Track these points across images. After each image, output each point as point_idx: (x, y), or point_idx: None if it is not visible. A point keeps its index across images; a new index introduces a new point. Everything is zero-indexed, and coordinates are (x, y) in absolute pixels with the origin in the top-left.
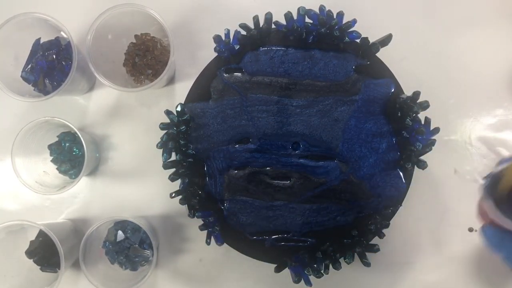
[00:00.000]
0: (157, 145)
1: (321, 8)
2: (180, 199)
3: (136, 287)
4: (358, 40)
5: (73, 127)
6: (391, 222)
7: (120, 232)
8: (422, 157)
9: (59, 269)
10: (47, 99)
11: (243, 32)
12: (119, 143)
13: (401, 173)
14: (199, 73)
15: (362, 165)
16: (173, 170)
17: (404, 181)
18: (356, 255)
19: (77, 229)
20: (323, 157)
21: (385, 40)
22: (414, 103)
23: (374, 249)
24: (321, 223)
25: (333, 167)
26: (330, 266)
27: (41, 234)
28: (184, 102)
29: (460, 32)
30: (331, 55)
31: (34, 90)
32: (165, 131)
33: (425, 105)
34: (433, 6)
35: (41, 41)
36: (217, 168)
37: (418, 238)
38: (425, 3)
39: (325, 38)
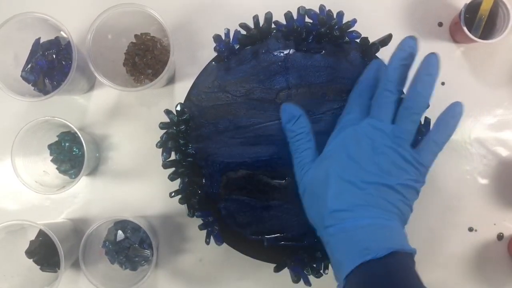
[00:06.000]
0: (156, 145)
1: (321, 8)
2: (180, 199)
3: (136, 287)
4: (358, 40)
5: (73, 127)
6: None
7: (120, 232)
8: None
9: (59, 269)
10: (47, 98)
11: (243, 32)
12: (119, 143)
13: None
14: (199, 73)
15: None
16: (172, 169)
17: None
18: None
19: (77, 229)
20: None
21: (385, 40)
22: None
23: None
24: None
25: None
26: (330, 266)
27: (41, 234)
28: (184, 101)
29: None
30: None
31: (34, 90)
32: (164, 131)
33: None
34: (433, 5)
35: (41, 41)
36: (216, 168)
37: (418, 238)
38: (425, 3)
39: (324, 38)
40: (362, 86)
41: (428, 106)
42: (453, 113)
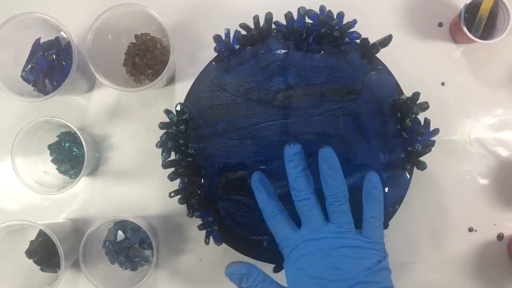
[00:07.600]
0: (156, 145)
1: (322, 8)
2: (179, 199)
3: (136, 287)
4: (358, 41)
5: (73, 127)
6: (391, 222)
7: (120, 232)
8: (422, 157)
9: (59, 269)
10: (47, 99)
11: (243, 32)
12: (119, 143)
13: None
14: (199, 73)
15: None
16: (172, 169)
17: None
18: None
19: (77, 229)
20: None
21: (385, 41)
22: (413, 104)
23: None
24: None
25: None
26: None
27: (41, 234)
28: (184, 101)
29: None
30: (332, 60)
31: (34, 90)
32: (164, 131)
33: (424, 106)
34: (433, 6)
35: (41, 41)
36: (215, 168)
37: (418, 238)
38: (425, 3)
39: (324, 39)
40: (269, 208)
41: (347, 195)
42: (371, 184)
